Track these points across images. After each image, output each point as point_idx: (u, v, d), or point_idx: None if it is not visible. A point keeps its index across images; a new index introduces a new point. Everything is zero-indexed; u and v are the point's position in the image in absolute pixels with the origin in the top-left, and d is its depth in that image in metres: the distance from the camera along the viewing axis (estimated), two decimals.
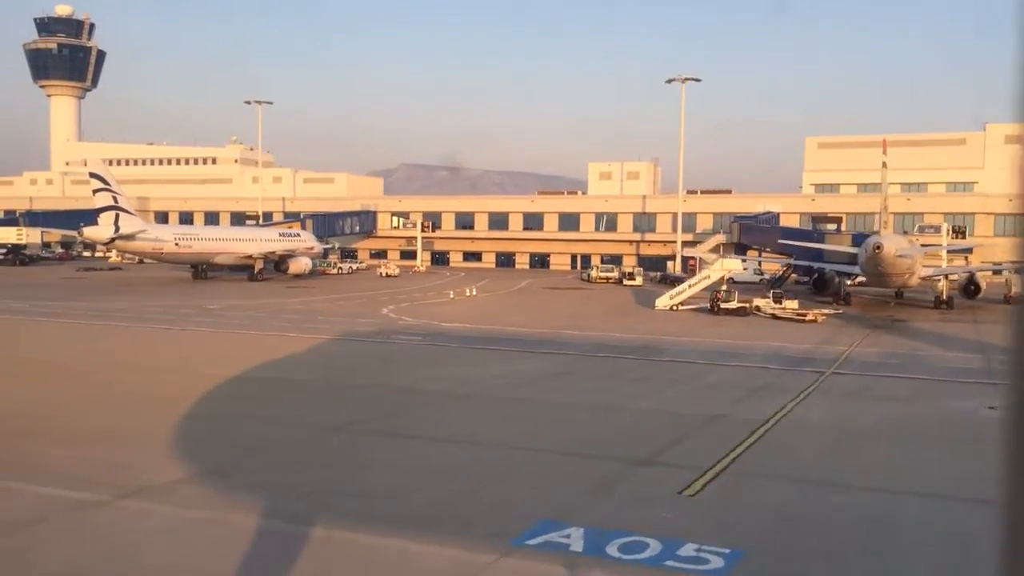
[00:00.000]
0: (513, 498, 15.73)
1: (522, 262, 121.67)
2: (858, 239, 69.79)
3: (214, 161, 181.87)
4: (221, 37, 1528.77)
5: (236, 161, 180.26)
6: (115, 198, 73.21)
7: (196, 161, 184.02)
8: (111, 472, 16.78)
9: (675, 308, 56.22)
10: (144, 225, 77.55)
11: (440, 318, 49.47)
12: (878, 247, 54.54)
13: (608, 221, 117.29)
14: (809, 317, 49.75)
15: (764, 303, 53.41)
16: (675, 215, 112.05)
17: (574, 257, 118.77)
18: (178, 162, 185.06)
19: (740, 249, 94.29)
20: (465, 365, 32.42)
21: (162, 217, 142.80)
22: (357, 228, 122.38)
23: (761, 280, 77.70)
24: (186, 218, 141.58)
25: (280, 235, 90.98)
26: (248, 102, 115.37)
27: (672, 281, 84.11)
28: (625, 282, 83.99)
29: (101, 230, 73.19)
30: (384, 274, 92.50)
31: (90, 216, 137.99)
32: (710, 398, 26.31)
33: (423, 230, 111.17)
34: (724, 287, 55.83)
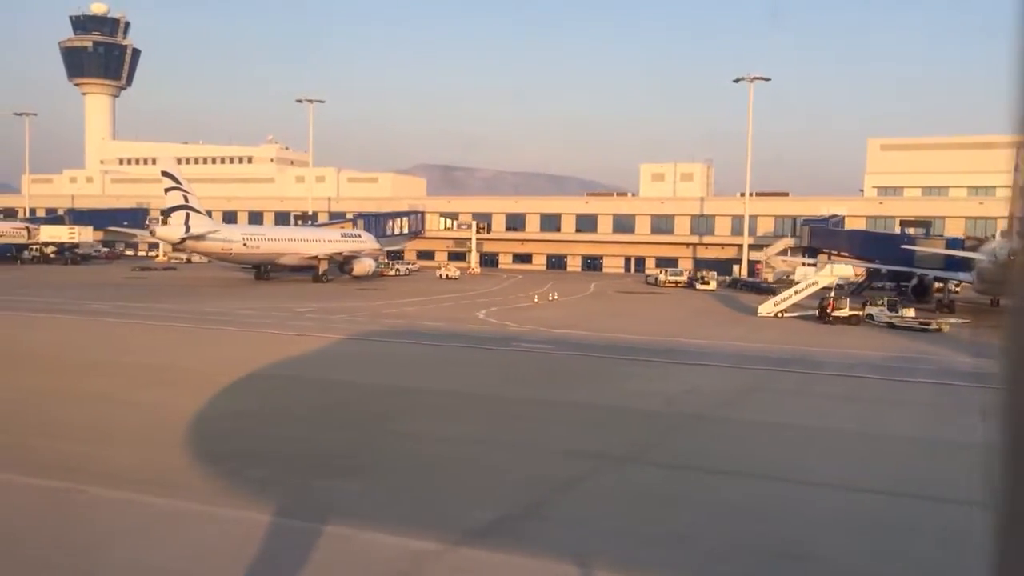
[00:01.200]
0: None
1: (573, 264, 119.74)
2: (953, 244, 67.47)
3: (250, 160, 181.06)
4: (242, 37, 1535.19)
5: (272, 160, 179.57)
6: (186, 197, 71.77)
7: (232, 160, 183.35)
8: None
9: (780, 315, 54.09)
10: (214, 225, 76.17)
11: (543, 323, 47.59)
12: (1015, 254, 51.91)
13: (628, 223, 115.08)
14: (933, 326, 47.50)
15: (876, 311, 51.16)
16: (734, 218, 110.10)
17: (628, 259, 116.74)
18: (213, 161, 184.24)
19: (811, 253, 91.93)
20: (636, 379, 30.25)
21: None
22: (406, 229, 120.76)
23: (839, 287, 75.30)
24: (229, 217, 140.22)
25: (342, 236, 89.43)
26: (299, 100, 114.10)
27: (748, 287, 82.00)
28: (698, 286, 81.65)
29: (172, 230, 71.76)
30: (444, 276, 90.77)
31: (131, 215, 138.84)
32: (958, 422, 24.04)
33: (478, 231, 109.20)
34: (831, 293, 53.63)
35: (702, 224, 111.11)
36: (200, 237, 71.85)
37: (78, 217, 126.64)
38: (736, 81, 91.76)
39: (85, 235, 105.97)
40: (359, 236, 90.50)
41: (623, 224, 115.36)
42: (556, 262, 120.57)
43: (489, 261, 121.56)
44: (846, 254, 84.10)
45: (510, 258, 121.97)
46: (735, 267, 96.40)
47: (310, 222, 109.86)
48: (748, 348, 39.43)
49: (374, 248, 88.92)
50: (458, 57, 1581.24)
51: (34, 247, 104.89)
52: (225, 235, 74.38)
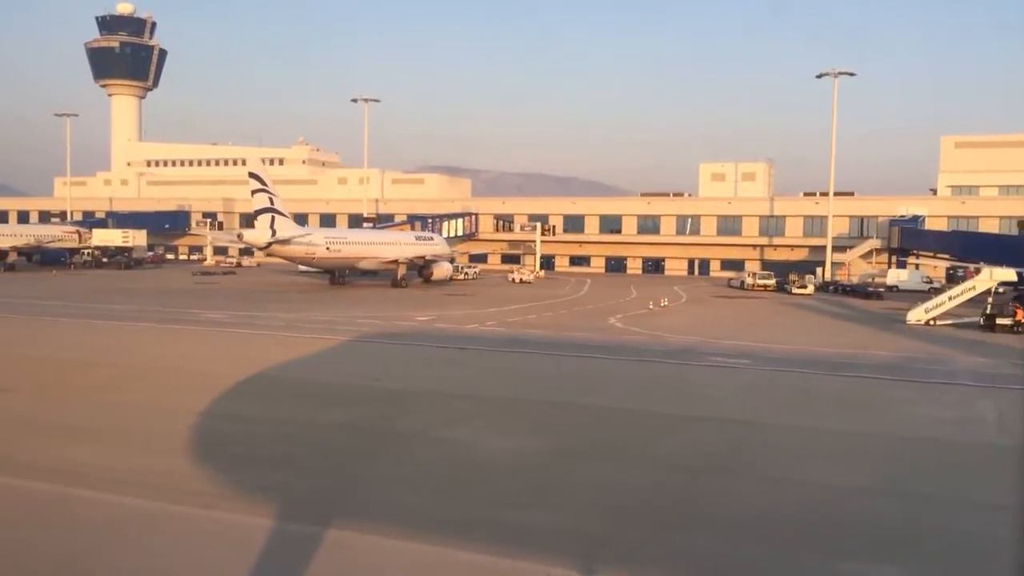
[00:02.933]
0: None
1: (633, 267, 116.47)
2: None
3: (281, 162, 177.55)
4: (251, 40, 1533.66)
5: (304, 162, 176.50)
6: (271, 200, 68.52)
7: (262, 162, 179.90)
8: None
9: (931, 323, 50.80)
10: (299, 229, 72.89)
11: (692, 332, 44.40)
12: None
13: (692, 224, 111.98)
14: None
15: None
16: (806, 218, 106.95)
17: (691, 262, 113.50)
18: (243, 163, 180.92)
19: (900, 255, 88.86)
20: (921, 405, 26.78)
21: (247, 219, 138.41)
22: (461, 231, 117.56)
23: (930, 288, 72.22)
24: None
25: (416, 239, 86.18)
26: (355, 100, 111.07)
27: (849, 291, 78.69)
28: (795, 291, 78.12)
29: (258, 234, 68.41)
30: (518, 280, 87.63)
31: (173, 217, 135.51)
32: None
33: (543, 233, 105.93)
34: (989, 299, 50.35)
35: (771, 225, 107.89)
36: (286, 241, 68.56)
37: (122, 220, 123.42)
38: (819, 77, 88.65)
39: (139, 239, 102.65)
40: (432, 239, 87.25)
41: (686, 225, 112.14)
42: (615, 265, 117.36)
43: (545, 264, 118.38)
44: (946, 256, 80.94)
45: (566, 261, 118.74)
46: (818, 269, 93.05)
47: (374, 224, 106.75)
48: (986, 365, 35.69)
49: (448, 251, 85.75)
50: (458, 58, 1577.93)
51: (86, 251, 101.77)
52: (310, 239, 71.02)
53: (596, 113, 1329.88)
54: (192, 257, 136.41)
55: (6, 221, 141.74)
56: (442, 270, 79.91)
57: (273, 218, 68.33)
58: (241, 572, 11.96)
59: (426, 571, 12.46)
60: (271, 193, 68.52)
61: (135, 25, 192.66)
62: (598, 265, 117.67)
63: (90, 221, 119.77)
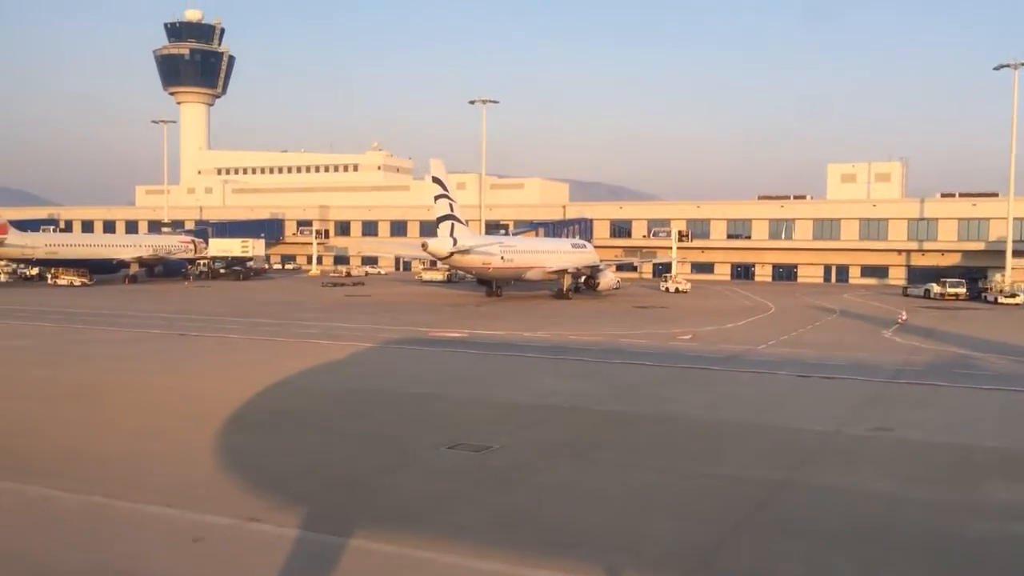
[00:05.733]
0: None
1: (762, 274, 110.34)
2: None
3: (355, 168, 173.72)
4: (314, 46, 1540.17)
5: (380, 168, 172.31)
6: (451, 206, 63.33)
7: (336, 168, 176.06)
8: None
9: None
10: (476, 237, 67.75)
11: (996, 351, 38.47)
12: None
13: (788, 228, 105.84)
14: None
15: None
16: (961, 221, 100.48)
17: (827, 268, 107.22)
18: (316, 169, 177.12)
19: None
20: None
21: (343, 227, 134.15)
22: (577, 238, 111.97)
23: None
24: (370, 229, 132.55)
25: (573, 247, 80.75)
26: (472, 102, 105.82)
27: None
28: (1001, 300, 71.64)
29: (441, 243, 63.15)
30: (673, 289, 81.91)
31: (268, 226, 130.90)
32: None
33: (680, 239, 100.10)
34: None
35: (920, 228, 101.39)
36: (467, 251, 63.27)
37: (219, 229, 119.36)
38: (997, 68, 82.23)
39: (258, 248, 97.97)
40: (585, 247, 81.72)
41: (822, 230, 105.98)
42: (741, 272, 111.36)
43: (664, 270, 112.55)
44: None
45: (687, 267, 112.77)
46: (998, 276, 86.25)
47: (507, 232, 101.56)
48: None
49: (599, 260, 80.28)
50: (486, 64, 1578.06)
51: (201, 262, 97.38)
52: (487, 249, 65.72)
53: (620, 117, 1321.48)
54: (287, 266, 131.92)
55: (91, 230, 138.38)
56: (608, 280, 74.46)
57: (453, 226, 63.19)
58: None
59: None
60: (452, 199, 63.35)
61: (204, 32, 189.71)
62: (722, 272, 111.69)
63: (194, 230, 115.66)
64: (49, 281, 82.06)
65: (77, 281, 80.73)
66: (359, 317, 50.88)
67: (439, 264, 74.86)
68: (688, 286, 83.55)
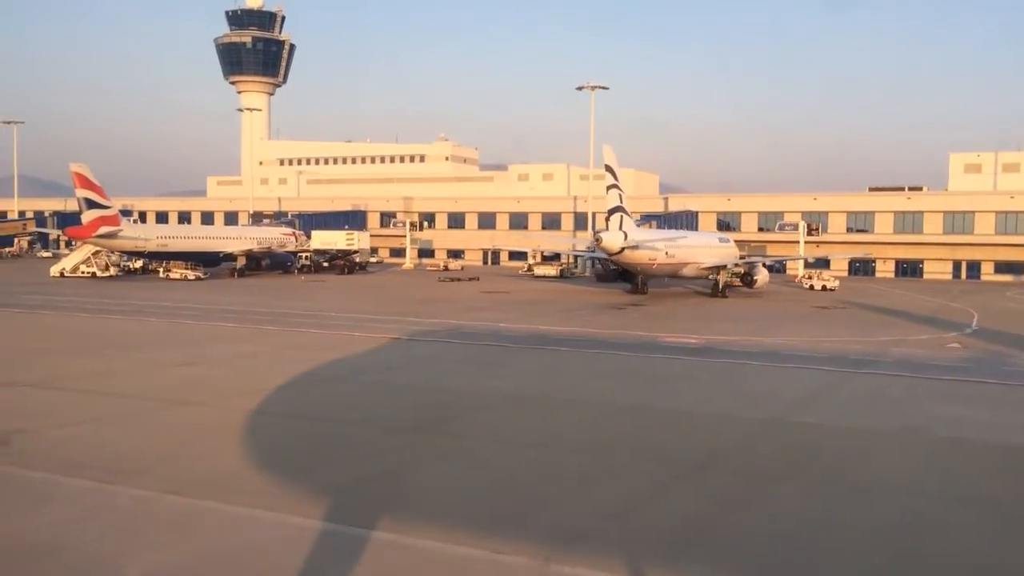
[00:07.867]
0: None
1: (883, 270, 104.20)
2: None
3: (422, 159, 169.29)
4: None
5: (447, 159, 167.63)
6: (620, 196, 58.34)
7: (402, 159, 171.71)
8: None
9: None
10: (643, 231, 62.72)
11: None
12: None
13: (957, 221, 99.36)
14: None
15: None
16: None
17: (956, 263, 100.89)
18: (383, 160, 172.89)
19: None
20: None
21: (428, 219, 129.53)
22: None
23: None
24: (456, 221, 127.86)
25: (720, 241, 75.36)
26: (580, 88, 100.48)
27: None
28: None
29: (614, 237, 58.12)
30: (819, 287, 76.29)
31: (352, 217, 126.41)
32: None
33: (810, 232, 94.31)
34: None
35: None
36: (636, 246, 58.21)
37: (305, 221, 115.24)
38: None
39: (363, 241, 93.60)
40: (729, 241, 76.28)
41: (952, 223, 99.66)
42: (860, 268, 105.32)
43: (772, 267, 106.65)
44: None
45: (842, 264, 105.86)
46: None
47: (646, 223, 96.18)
48: None
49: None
50: (512, 55, 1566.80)
51: (304, 255, 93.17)
52: (653, 244, 60.59)
53: (636, 109, 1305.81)
54: (371, 260, 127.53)
55: (166, 221, 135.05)
56: (764, 277, 69.16)
57: (622, 219, 58.20)
58: None
59: None
60: (621, 190, 58.33)
61: (265, 19, 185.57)
62: (839, 268, 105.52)
63: (283, 221, 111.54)
64: (161, 275, 78.15)
65: (191, 275, 76.67)
66: (548, 318, 45.98)
67: (611, 258, 66.14)
68: (836, 283, 77.96)
